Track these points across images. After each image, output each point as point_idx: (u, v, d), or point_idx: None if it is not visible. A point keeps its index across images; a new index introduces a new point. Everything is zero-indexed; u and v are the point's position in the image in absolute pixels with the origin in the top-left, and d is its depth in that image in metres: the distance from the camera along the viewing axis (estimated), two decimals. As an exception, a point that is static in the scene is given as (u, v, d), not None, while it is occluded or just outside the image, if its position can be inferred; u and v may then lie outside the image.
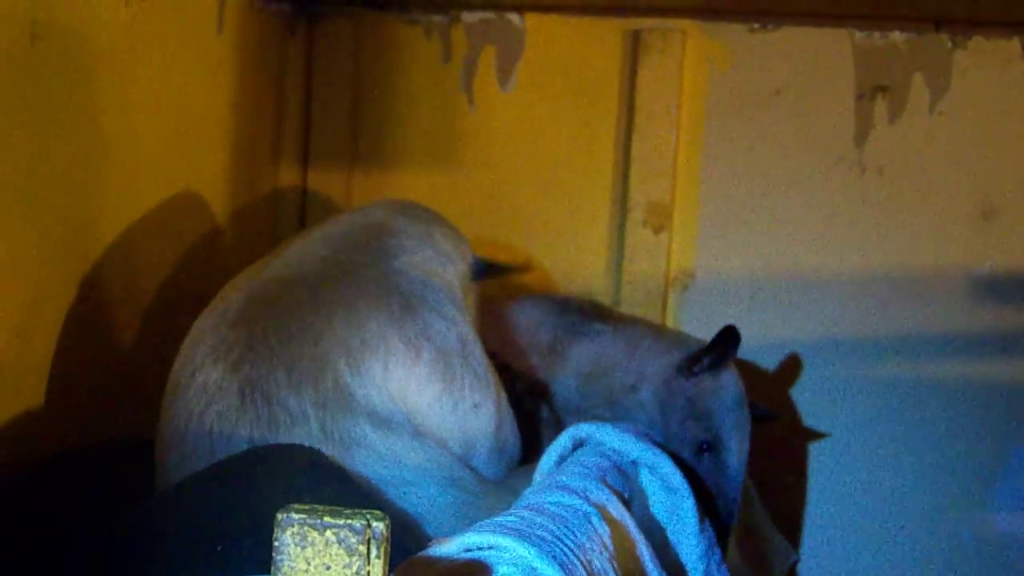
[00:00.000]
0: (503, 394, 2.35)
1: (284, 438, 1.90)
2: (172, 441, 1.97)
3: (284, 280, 2.16)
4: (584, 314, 2.83)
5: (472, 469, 2.19)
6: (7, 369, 2.07)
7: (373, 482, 1.93)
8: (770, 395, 3.11)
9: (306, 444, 1.87)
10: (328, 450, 1.90)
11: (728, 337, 2.54)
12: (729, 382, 2.61)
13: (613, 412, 2.66)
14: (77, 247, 2.30)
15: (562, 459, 2.14)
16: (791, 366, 3.15)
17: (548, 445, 2.24)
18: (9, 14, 2.00)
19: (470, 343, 2.28)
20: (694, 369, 2.59)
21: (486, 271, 2.63)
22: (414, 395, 2.13)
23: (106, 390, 2.41)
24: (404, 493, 1.96)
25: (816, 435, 3.15)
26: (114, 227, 2.43)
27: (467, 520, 1.98)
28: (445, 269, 2.40)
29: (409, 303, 2.19)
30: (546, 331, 2.81)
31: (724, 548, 2.39)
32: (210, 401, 1.95)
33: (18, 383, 2.12)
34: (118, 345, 2.47)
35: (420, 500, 1.97)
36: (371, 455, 1.97)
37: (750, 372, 3.09)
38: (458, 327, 2.26)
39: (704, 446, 2.54)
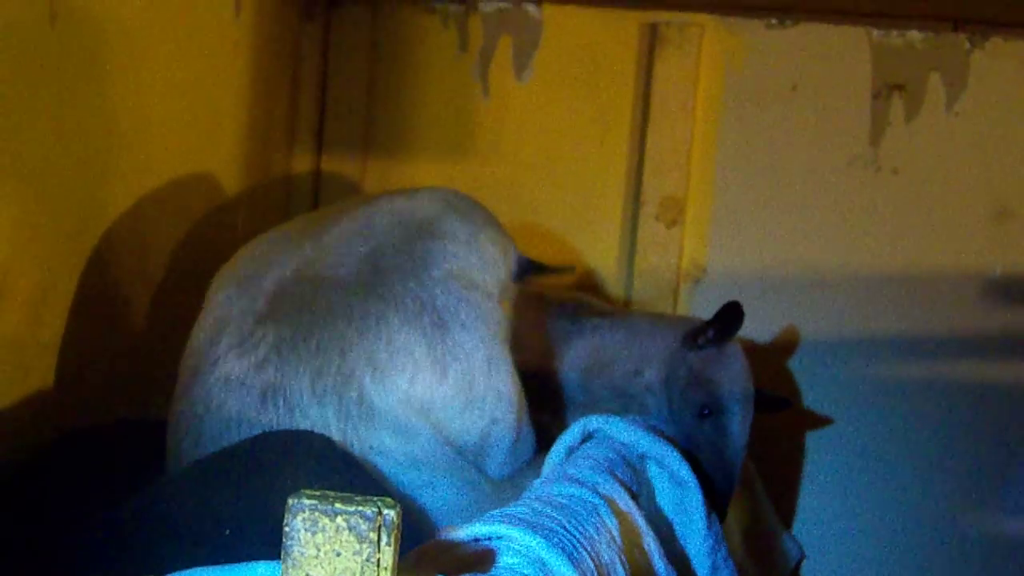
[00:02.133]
0: (524, 408, 2.34)
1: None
2: (188, 426, 1.97)
3: (319, 280, 2.11)
4: (577, 311, 2.83)
5: (485, 474, 2.19)
6: (19, 348, 2.08)
7: (389, 486, 1.94)
8: (778, 389, 3.10)
9: None
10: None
11: (732, 312, 2.54)
12: (733, 354, 2.62)
13: (620, 402, 2.66)
14: (89, 228, 2.30)
15: (571, 451, 2.14)
16: (800, 362, 3.14)
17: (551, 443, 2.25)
18: (30, -7, 2.00)
19: (496, 361, 2.25)
20: (699, 341, 2.59)
21: (530, 271, 2.60)
22: (438, 410, 2.12)
23: (117, 370, 2.41)
24: (419, 494, 1.97)
25: (824, 432, 3.15)
26: (127, 209, 2.43)
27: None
28: (486, 278, 2.35)
29: (442, 320, 2.16)
30: (540, 331, 2.81)
31: (722, 515, 2.39)
32: (230, 395, 1.94)
33: (30, 362, 2.12)
34: (129, 326, 2.47)
35: (434, 501, 1.98)
36: (388, 461, 1.97)
37: (759, 367, 3.09)
38: (487, 347, 2.23)
39: (706, 410, 2.54)
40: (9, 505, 1.91)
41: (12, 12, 1.95)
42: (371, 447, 1.96)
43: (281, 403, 1.93)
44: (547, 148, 3.26)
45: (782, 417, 2.98)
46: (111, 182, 2.36)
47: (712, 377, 2.57)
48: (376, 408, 2.00)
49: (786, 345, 3.14)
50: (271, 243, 2.23)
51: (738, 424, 2.56)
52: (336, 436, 1.93)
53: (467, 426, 2.17)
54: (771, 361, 3.14)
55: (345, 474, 1.80)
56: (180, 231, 2.69)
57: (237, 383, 1.95)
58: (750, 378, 2.60)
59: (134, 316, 2.48)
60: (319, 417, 1.93)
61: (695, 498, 2.16)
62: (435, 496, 1.98)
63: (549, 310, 2.83)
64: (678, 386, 2.59)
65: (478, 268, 2.33)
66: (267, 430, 1.91)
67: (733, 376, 2.59)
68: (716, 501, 2.40)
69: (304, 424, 1.92)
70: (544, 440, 2.52)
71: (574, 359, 2.74)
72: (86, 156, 2.26)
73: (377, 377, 2.02)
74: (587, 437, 2.19)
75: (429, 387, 2.10)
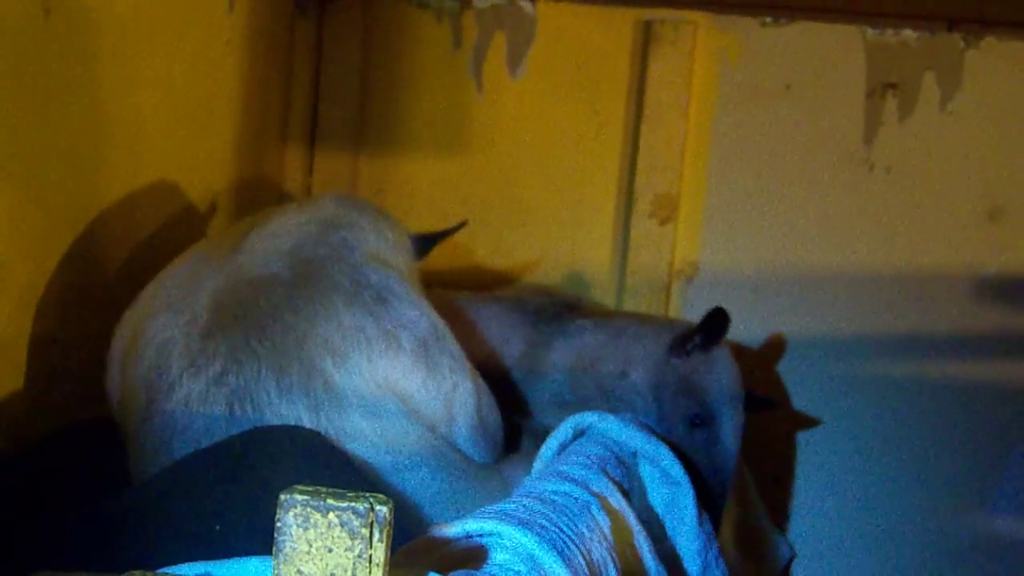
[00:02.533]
0: (477, 374, 2.36)
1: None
2: (155, 456, 1.93)
3: (254, 281, 2.11)
4: (562, 311, 2.83)
5: (461, 453, 2.20)
6: (9, 345, 2.07)
7: (368, 471, 1.94)
8: (770, 390, 3.11)
9: None
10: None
11: (717, 319, 2.54)
12: (721, 359, 2.61)
13: (608, 403, 2.66)
14: (81, 222, 2.29)
15: (563, 447, 2.14)
16: (792, 361, 3.14)
17: (526, 445, 2.25)
18: (23, -13, 1.99)
19: (440, 327, 2.28)
20: (686, 348, 2.59)
21: (428, 245, 2.62)
22: (402, 382, 2.13)
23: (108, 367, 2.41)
24: (400, 479, 1.97)
25: (815, 431, 3.15)
26: (119, 203, 2.43)
27: (457, 503, 2.02)
28: (397, 258, 2.40)
29: (380, 295, 2.18)
30: (524, 331, 2.81)
31: (717, 524, 2.39)
32: (194, 416, 1.92)
33: (20, 357, 2.12)
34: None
35: (414, 485, 1.98)
36: (366, 445, 1.97)
37: (750, 365, 3.09)
38: (427, 314, 2.26)
39: (697, 420, 2.54)
40: (1, 500, 1.91)
41: (5, 5, 1.95)
42: (345, 432, 1.96)
43: (249, 409, 1.92)
44: (540, 144, 3.26)
45: (773, 416, 2.99)
46: (103, 176, 2.36)
47: (701, 384, 2.57)
48: (343, 392, 2.00)
49: (778, 343, 3.14)
50: (189, 266, 2.21)
51: (730, 431, 2.56)
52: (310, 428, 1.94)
53: (432, 395, 2.19)
54: (762, 360, 3.14)
55: (337, 470, 1.80)
56: (171, 227, 2.68)
57: (199, 401, 1.93)
58: (740, 381, 2.60)
59: (125, 311, 2.47)
60: (290, 413, 1.93)
61: (687, 497, 2.16)
62: (415, 478, 1.99)
63: (527, 312, 2.83)
64: (668, 392, 2.58)
65: (388, 251, 2.39)
66: None
67: (723, 382, 2.59)
68: (710, 506, 2.40)
69: (276, 423, 1.92)
70: (525, 438, 2.53)
71: (558, 360, 2.74)
72: (78, 150, 2.25)
73: (338, 361, 2.02)
74: (579, 434, 2.19)
75: (388, 359, 2.12)
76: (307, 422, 1.93)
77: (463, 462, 2.14)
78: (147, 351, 2.04)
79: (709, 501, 2.42)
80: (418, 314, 2.23)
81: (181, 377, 1.96)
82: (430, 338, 2.23)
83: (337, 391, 2.00)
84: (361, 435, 1.98)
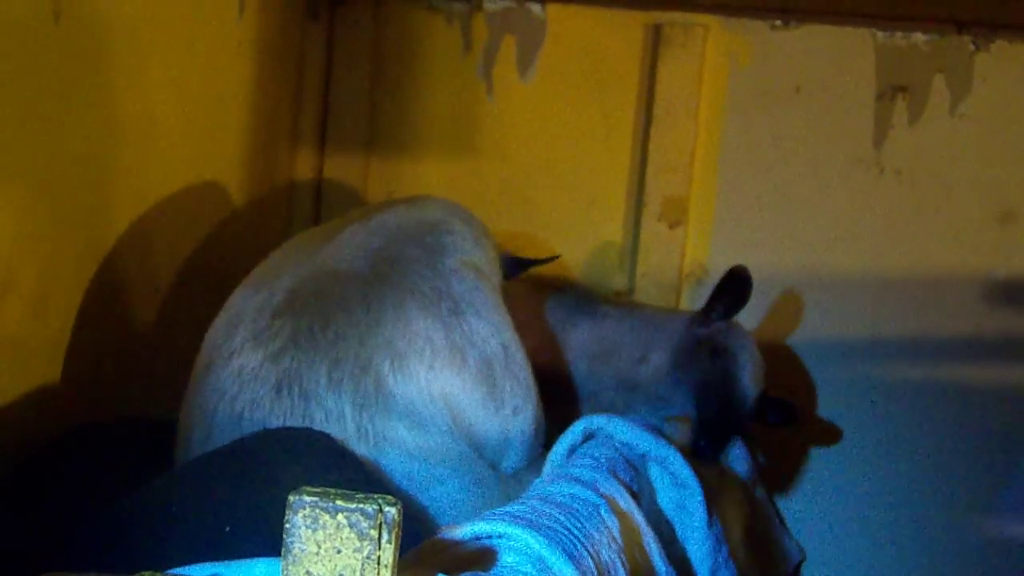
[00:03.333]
0: (540, 400, 2.36)
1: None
2: (199, 419, 1.98)
3: (335, 273, 2.14)
4: (585, 297, 2.84)
5: (496, 470, 2.20)
6: (21, 346, 2.08)
7: (398, 477, 1.95)
8: (779, 392, 3.10)
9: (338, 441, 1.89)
10: (361, 449, 1.93)
11: (738, 278, 2.55)
12: (742, 329, 2.67)
13: (625, 393, 2.66)
14: (92, 226, 2.30)
15: (572, 450, 2.14)
16: (802, 364, 3.14)
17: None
18: (34, -10, 2.00)
19: (512, 349, 2.28)
20: (710, 316, 2.63)
21: (518, 269, 2.63)
22: (459, 397, 2.13)
23: (119, 368, 2.41)
24: (426, 487, 1.97)
25: (826, 435, 3.15)
26: (130, 207, 2.43)
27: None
28: (492, 273, 2.42)
29: (458, 307, 2.19)
30: (550, 317, 2.81)
31: (715, 447, 2.48)
32: (243, 387, 1.95)
33: (31, 360, 2.12)
34: (131, 324, 2.47)
35: (440, 495, 1.99)
36: (399, 452, 1.98)
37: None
38: (501, 333, 2.27)
39: (720, 351, 2.57)
40: (10, 501, 1.91)
41: (16, 10, 1.95)
42: (384, 437, 1.97)
43: (296, 393, 1.94)
44: (550, 148, 3.26)
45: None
46: (114, 181, 2.36)
47: (724, 343, 2.61)
48: (394, 397, 2.01)
49: (788, 346, 3.14)
50: (283, 253, 2.27)
51: (748, 377, 2.58)
52: (351, 426, 1.94)
53: (488, 416, 2.19)
54: (772, 362, 3.13)
55: (346, 471, 1.81)
56: (181, 229, 2.69)
57: (251, 375, 1.96)
58: (757, 353, 2.65)
59: (136, 314, 2.48)
60: (334, 407, 1.94)
61: (696, 499, 2.16)
62: (441, 491, 1.99)
63: (547, 297, 2.83)
64: (687, 356, 2.60)
65: (484, 264, 2.39)
66: (280, 419, 1.92)
67: (744, 343, 2.64)
68: (717, 441, 2.47)
69: (319, 415, 1.93)
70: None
71: (580, 346, 2.75)
72: (89, 155, 2.26)
73: (396, 364, 2.03)
74: (589, 436, 2.19)
75: (449, 374, 2.12)
76: (350, 419, 1.94)
77: (496, 480, 2.14)
78: (220, 319, 2.11)
79: (718, 437, 2.48)
80: (491, 332, 2.23)
81: (242, 348, 2.00)
82: (497, 359, 2.23)
83: (388, 394, 2.01)
84: (400, 443, 1.99)
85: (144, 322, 2.52)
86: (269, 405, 1.92)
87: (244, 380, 1.96)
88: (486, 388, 2.18)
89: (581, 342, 2.75)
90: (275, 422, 1.91)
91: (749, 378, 2.60)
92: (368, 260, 2.18)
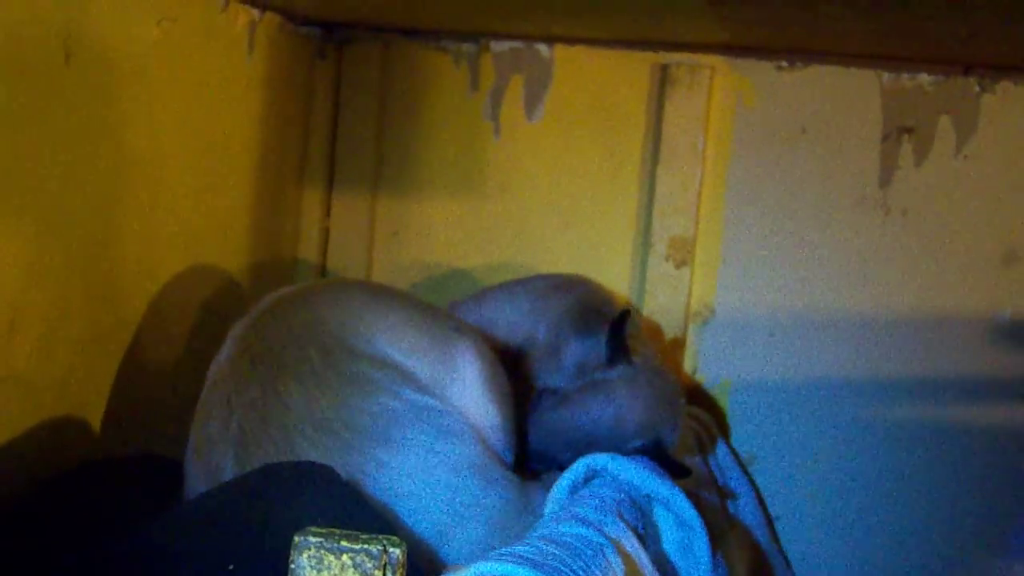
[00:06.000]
0: None
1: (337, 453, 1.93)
2: (200, 456, 1.98)
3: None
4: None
5: (509, 467, 2.22)
6: (29, 382, 2.08)
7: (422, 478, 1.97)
8: (785, 433, 3.11)
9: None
10: (383, 454, 1.94)
11: (616, 332, 2.45)
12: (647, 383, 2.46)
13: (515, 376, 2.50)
14: (101, 263, 2.31)
15: (574, 488, 2.13)
16: (808, 404, 3.14)
17: None
18: (45, 33, 2.02)
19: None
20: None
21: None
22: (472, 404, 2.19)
23: (127, 406, 2.42)
24: (451, 493, 1.99)
25: (831, 475, 3.14)
26: (139, 245, 2.44)
27: (505, 519, 2.04)
28: None
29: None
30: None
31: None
32: (237, 421, 1.96)
33: (40, 397, 2.13)
34: (140, 361, 2.48)
35: (465, 500, 2.00)
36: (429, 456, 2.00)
37: (764, 409, 3.10)
38: None
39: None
40: (14, 538, 1.92)
41: (27, 52, 1.97)
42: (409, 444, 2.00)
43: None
44: (557, 187, 3.27)
45: (790, 457, 2.99)
46: (123, 219, 2.38)
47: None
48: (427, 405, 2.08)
49: (794, 386, 3.14)
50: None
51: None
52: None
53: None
54: (778, 402, 3.13)
55: (351, 508, 1.80)
56: (190, 267, 2.71)
57: (246, 407, 1.97)
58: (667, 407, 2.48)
59: (144, 352, 2.49)
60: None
61: (701, 541, 2.16)
62: (465, 494, 2.01)
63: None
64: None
65: None
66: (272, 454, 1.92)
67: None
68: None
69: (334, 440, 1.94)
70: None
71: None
72: (99, 193, 2.27)
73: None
74: (592, 475, 2.19)
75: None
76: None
77: (510, 478, 2.14)
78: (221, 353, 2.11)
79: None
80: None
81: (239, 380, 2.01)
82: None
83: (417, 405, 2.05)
84: (426, 446, 2.01)
85: (152, 360, 2.53)
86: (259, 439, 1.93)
87: (239, 414, 1.95)
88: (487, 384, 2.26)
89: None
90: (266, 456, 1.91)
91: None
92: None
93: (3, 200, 1.96)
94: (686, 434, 2.79)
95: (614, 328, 2.47)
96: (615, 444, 2.34)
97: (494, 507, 2.04)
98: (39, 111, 2.03)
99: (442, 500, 1.98)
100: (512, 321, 2.65)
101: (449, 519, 1.98)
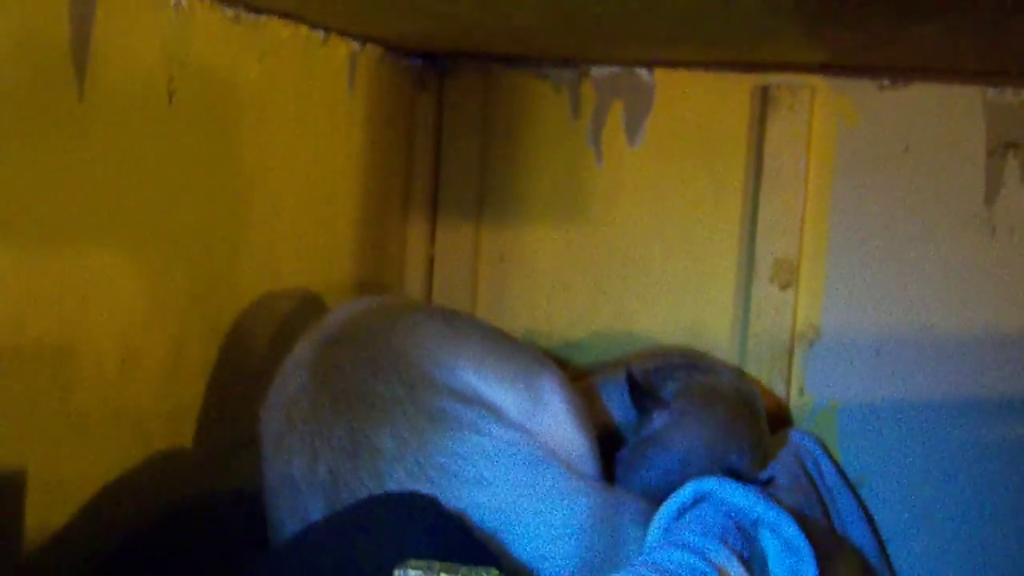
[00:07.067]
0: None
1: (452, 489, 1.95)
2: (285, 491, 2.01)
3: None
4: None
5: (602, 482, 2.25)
6: (151, 417, 2.13)
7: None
8: (895, 454, 3.08)
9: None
10: (477, 495, 1.95)
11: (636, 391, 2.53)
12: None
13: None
14: (217, 298, 2.36)
15: (681, 512, 2.13)
16: (915, 425, 3.10)
17: None
18: (149, 74, 2.07)
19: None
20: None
21: None
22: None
23: (247, 440, 2.46)
24: (542, 520, 2.00)
25: (938, 497, 3.09)
26: (254, 278, 2.49)
27: (595, 526, 2.05)
28: None
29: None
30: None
31: None
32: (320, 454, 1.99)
33: (158, 432, 2.18)
34: (256, 397, 2.52)
35: (555, 521, 2.00)
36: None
37: (873, 430, 3.07)
38: None
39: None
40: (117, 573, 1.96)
41: (131, 96, 2.03)
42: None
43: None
44: (660, 212, 3.27)
45: (900, 479, 2.96)
46: (238, 253, 2.43)
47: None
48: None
49: (902, 407, 3.10)
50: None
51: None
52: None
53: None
54: (886, 423, 3.10)
55: (457, 539, 1.82)
56: (303, 300, 2.75)
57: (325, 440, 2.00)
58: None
59: (261, 387, 2.53)
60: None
61: (809, 566, 2.14)
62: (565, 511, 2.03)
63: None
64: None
65: None
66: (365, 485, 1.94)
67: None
68: None
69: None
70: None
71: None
72: (218, 225, 2.32)
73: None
74: (699, 499, 2.18)
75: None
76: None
77: (604, 492, 2.16)
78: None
79: None
80: None
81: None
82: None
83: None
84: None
85: (265, 389, 2.57)
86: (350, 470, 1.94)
87: (326, 457, 1.95)
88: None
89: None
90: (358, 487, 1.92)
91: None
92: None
93: (123, 239, 2.02)
94: (789, 460, 2.78)
95: (631, 385, 2.53)
96: None
97: (584, 518, 2.04)
98: (147, 150, 2.09)
99: (532, 527, 1.99)
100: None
101: (543, 543, 1.99)
